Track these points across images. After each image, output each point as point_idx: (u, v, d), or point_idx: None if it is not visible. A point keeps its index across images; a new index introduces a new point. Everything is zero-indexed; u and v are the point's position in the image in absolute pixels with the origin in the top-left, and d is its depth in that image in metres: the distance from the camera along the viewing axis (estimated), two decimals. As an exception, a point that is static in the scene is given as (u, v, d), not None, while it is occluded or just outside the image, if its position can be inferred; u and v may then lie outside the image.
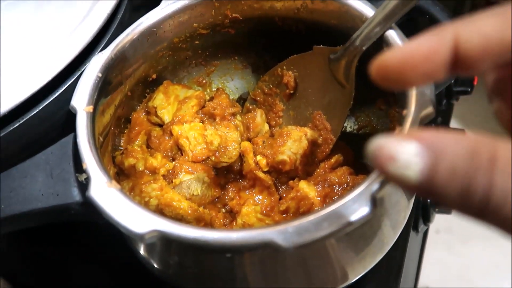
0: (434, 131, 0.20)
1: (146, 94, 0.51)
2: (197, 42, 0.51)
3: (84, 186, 0.37)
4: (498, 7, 0.22)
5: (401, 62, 0.22)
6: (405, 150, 0.20)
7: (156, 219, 0.32)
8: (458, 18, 0.22)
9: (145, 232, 0.31)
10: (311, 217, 0.30)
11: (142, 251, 0.41)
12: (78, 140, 0.36)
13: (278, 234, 0.30)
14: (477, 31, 0.21)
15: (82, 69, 0.43)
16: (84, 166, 0.34)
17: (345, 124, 0.53)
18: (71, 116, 0.39)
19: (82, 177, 0.37)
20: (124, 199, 0.32)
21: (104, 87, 0.41)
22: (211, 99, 0.51)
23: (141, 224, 0.31)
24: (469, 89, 0.65)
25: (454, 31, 0.22)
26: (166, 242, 0.36)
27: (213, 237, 0.30)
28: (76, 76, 0.43)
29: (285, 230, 0.30)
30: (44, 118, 0.42)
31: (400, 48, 0.23)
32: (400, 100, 0.37)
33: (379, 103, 0.49)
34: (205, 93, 0.56)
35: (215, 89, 0.56)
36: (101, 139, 0.40)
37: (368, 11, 0.41)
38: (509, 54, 0.21)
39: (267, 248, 0.30)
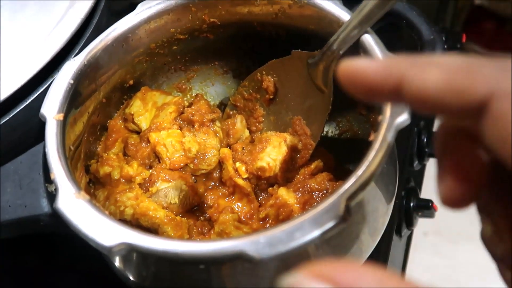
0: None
1: (124, 101, 0.50)
2: (175, 47, 0.50)
3: (53, 196, 0.35)
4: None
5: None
6: None
7: (125, 231, 0.31)
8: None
9: (113, 245, 0.30)
10: (284, 227, 0.29)
11: (117, 263, 0.40)
12: (46, 149, 0.35)
13: (250, 244, 0.29)
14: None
15: (56, 76, 0.42)
16: (52, 177, 0.33)
17: (326, 129, 0.52)
18: (44, 124, 0.38)
19: (52, 188, 0.36)
20: (92, 210, 0.31)
21: (76, 95, 0.40)
22: (191, 105, 0.50)
23: (109, 236, 0.30)
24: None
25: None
26: (139, 254, 0.35)
27: (183, 249, 0.29)
28: (49, 82, 0.42)
29: (257, 240, 0.29)
30: (16, 126, 0.41)
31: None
32: (377, 106, 0.37)
33: (359, 108, 0.49)
34: (186, 98, 0.55)
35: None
36: (72, 148, 0.39)
37: (344, 15, 0.40)
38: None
39: (239, 260, 0.29)
